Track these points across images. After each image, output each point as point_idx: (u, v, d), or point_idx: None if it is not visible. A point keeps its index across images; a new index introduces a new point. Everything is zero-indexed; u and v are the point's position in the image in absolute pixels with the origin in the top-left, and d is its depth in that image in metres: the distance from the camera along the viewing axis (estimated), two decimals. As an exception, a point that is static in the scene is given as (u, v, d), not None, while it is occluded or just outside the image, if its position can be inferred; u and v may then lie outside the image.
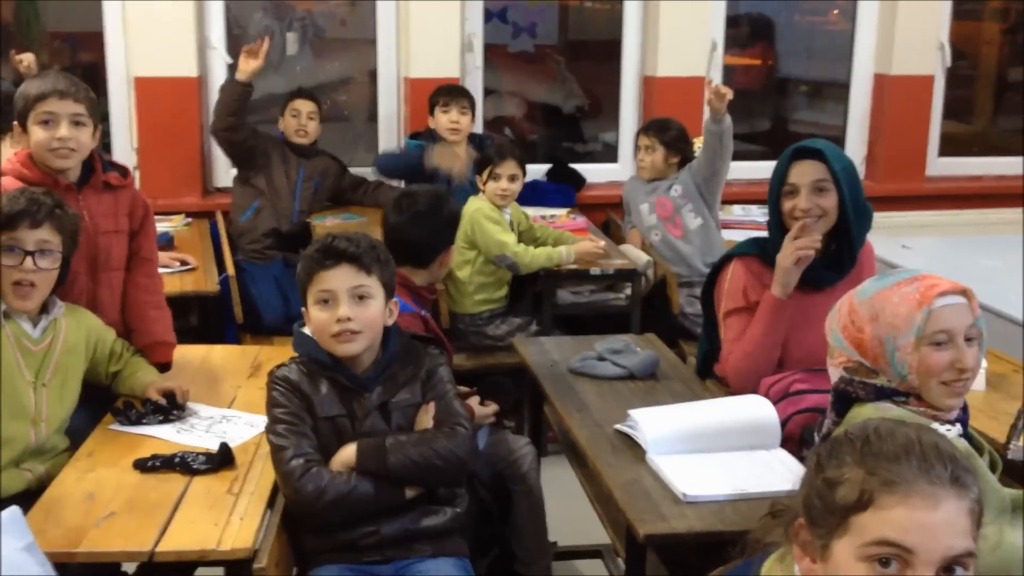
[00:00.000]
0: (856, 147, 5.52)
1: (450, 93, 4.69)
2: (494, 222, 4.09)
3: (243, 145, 4.50)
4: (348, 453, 2.24)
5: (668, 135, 4.55)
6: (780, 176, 2.69)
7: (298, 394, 2.26)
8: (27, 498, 2.24)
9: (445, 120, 4.64)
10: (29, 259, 2.45)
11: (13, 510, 1.79)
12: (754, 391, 2.56)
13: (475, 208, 4.09)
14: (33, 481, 2.44)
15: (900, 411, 1.93)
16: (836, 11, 5.64)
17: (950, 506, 1.26)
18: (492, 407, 2.91)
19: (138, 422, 2.51)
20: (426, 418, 2.33)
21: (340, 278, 2.26)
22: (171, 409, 2.55)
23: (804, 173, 2.65)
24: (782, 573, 1.41)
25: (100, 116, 2.90)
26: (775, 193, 2.71)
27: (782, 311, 2.65)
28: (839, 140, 5.55)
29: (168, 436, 2.46)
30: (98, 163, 2.92)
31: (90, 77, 5.18)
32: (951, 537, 1.25)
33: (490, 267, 4.13)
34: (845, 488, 1.29)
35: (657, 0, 5.10)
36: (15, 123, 2.88)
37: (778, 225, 2.71)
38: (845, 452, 1.32)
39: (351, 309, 2.25)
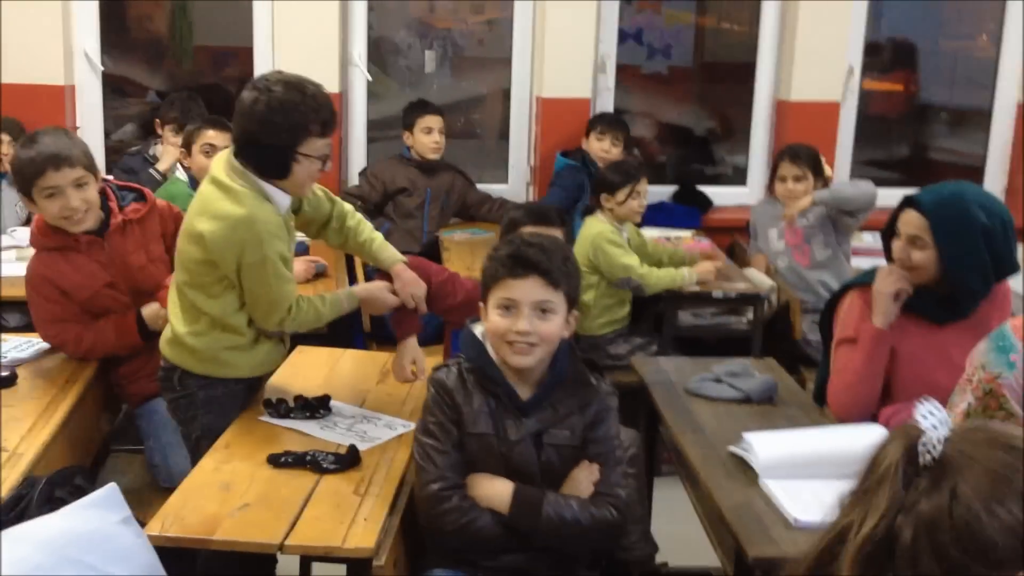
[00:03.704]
0: (996, 177, 5.38)
1: (610, 123, 4.88)
2: (616, 245, 4.12)
3: (377, 205, 4.74)
4: (501, 496, 2.22)
5: (816, 163, 4.53)
6: (893, 216, 2.70)
7: (450, 403, 2.25)
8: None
9: (598, 147, 4.82)
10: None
11: (111, 487, 1.92)
12: (858, 422, 2.55)
13: (596, 232, 4.10)
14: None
15: None
16: (985, 36, 5.51)
17: None
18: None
19: (286, 416, 2.65)
20: (586, 483, 2.27)
21: (527, 289, 2.20)
22: (318, 407, 2.69)
23: (906, 223, 2.64)
24: None
25: (94, 164, 2.91)
26: (888, 230, 2.72)
27: (882, 342, 2.64)
28: (979, 170, 5.42)
29: (312, 431, 2.58)
30: (113, 202, 2.97)
31: (237, 91, 5.47)
32: None
33: (613, 288, 4.17)
34: None
35: (794, 24, 5.08)
36: (20, 193, 2.93)
37: (890, 261, 2.71)
38: None
39: (532, 322, 2.20)
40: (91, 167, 2.90)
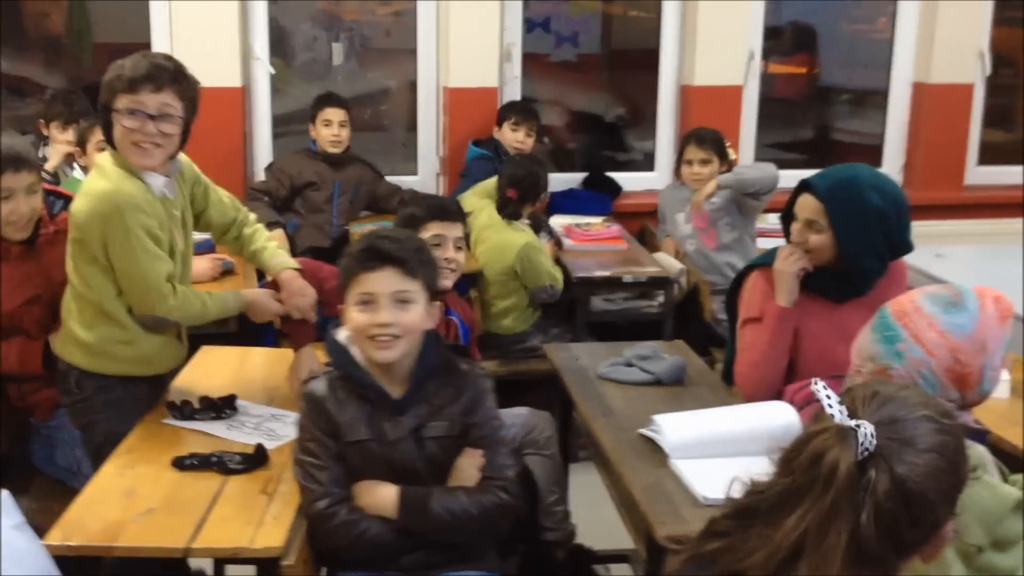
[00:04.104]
0: (894, 156, 5.52)
1: (523, 113, 4.87)
2: (543, 253, 4.16)
3: (284, 200, 4.67)
4: (387, 502, 2.20)
5: (720, 146, 4.59)
6: (791, 200, 2.75)
7: (324, 416, 2.22)
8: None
9: (512, 138, 4.81)
10: (151, 123, 2.51)
11: (2, 494, 1.88)
12: (765, 399, 2.59)
13: (524, 243, 4.10)
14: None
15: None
16: (885, 19, 5.63)
17: None
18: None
19: (191, 418, 2.60)
20: (471, 471, 2.26)
21: (383, 281, 2.20)
22: (224, 407, 2.64)
23: (803, 207, 2.70)
24: None
25: (43, 170, 2.90)
26: (787, 213, 2.77)
27: (787, 320, 2.69)
28: (876, 148, 5.55)
29: (218, 432, 2.54)
30: (44, 209, 2.89)
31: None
32: None
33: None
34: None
35: (695, 9, 5.13)
36: None
37: (789, 242, 2.77)
38: (958, 453, 1.39)
39: (392, 314, 2.19)
40: (40, 174, 2.86)
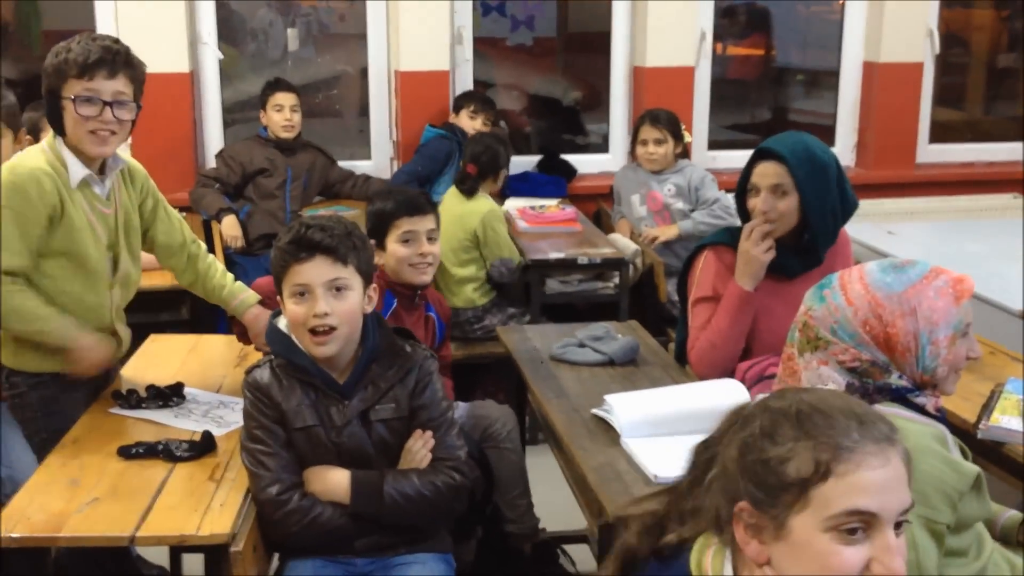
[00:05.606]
0: (846, 135, 5.55)
1: (482, 102, 4.89)
2: (504, 223, 4.20)
3: (236, 187, 4.63)
4: (339, 487, 2.19)
5: (675, 126, 4.59)
6: (745, 174, 2.74)
7: (269, 403, 2.20)
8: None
9: (470, 126, 4.82)
10: (108, 110, 2.44)
11: None
12: (720, 378, 2.59)
13: (488, 210, 4.14)
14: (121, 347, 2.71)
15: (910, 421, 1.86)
16: (842, 1, 5.65)
17: (896, 460, 1.29)
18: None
19: (138, 406, 2.56)
20: (422, 452, 2.25)
21: (316, 271, 2.18)
22: (172, 396, 2.60)
23: (764, 175, 2.68)
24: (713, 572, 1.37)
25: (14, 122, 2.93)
26: (741, 189, 2.76)
27: (749, 303, 2.69)
28: (831, 128, 5.58)
29: (166, 420, 2.51)
30: None
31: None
32: (902, 491, 1.29)
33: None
34: (797, 462, 1.28)
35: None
36: None
37: (745, 220, 2.76)
38: (784, 428, 1.31)
39: (328, 303, 2.17)
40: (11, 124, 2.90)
